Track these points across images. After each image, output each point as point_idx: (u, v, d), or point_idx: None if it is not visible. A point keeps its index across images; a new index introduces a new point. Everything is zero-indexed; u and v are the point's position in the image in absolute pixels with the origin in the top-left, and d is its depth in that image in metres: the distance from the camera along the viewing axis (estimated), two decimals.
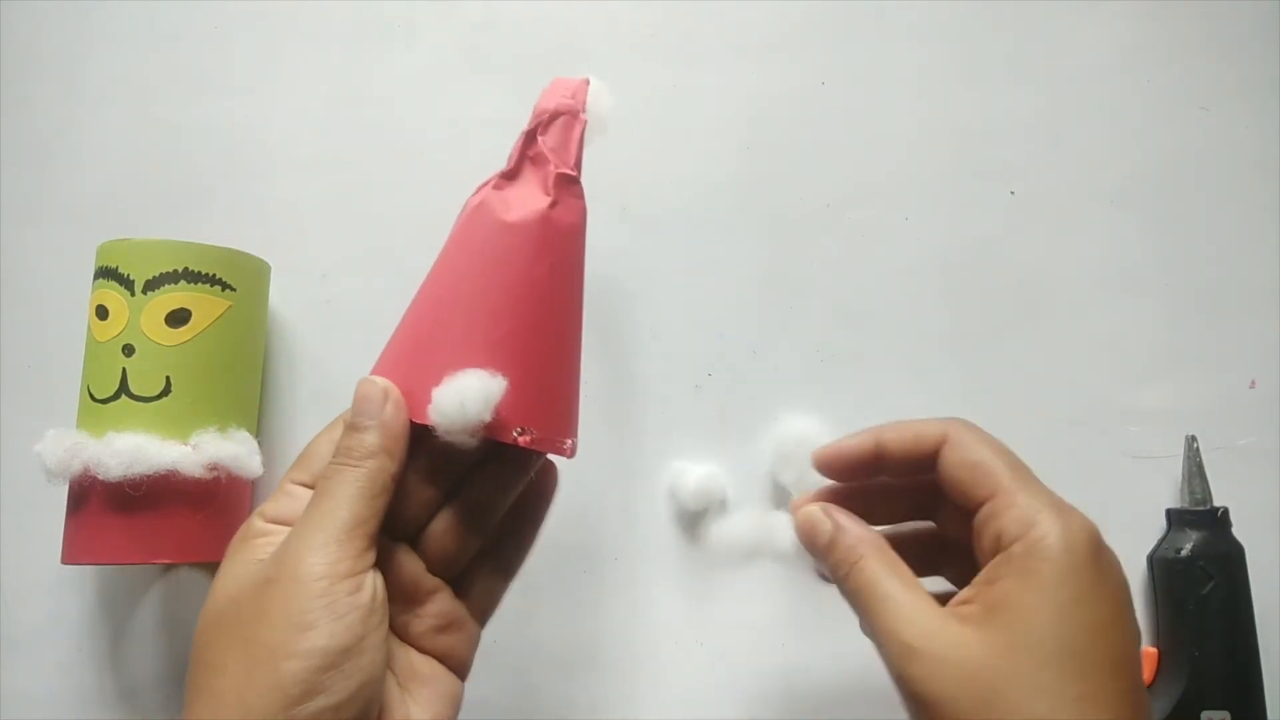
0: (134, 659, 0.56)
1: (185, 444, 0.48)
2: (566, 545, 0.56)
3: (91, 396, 0.49)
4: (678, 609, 0.55)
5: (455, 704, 0.41)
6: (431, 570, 0.41)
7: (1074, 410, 0.56)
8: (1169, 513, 0.54)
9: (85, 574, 0.57)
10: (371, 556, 0.37)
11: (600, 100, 0.43)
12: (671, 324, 0.58)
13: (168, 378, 0.49)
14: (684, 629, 0.55)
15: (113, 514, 0.47)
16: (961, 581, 0.39)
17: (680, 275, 0.58)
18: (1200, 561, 0.51)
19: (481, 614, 0.43)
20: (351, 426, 0.39)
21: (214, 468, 0.48)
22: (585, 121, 0.42)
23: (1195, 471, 0.54)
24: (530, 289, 0.40)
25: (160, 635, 0.56)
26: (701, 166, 0.59)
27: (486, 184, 0.42)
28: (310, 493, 0.39)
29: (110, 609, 0.56)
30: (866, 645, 0.56)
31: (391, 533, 0.40)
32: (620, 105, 0.61)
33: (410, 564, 0.40)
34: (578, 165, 0.42)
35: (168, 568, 0.56)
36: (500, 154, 0.60)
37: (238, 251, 0.52)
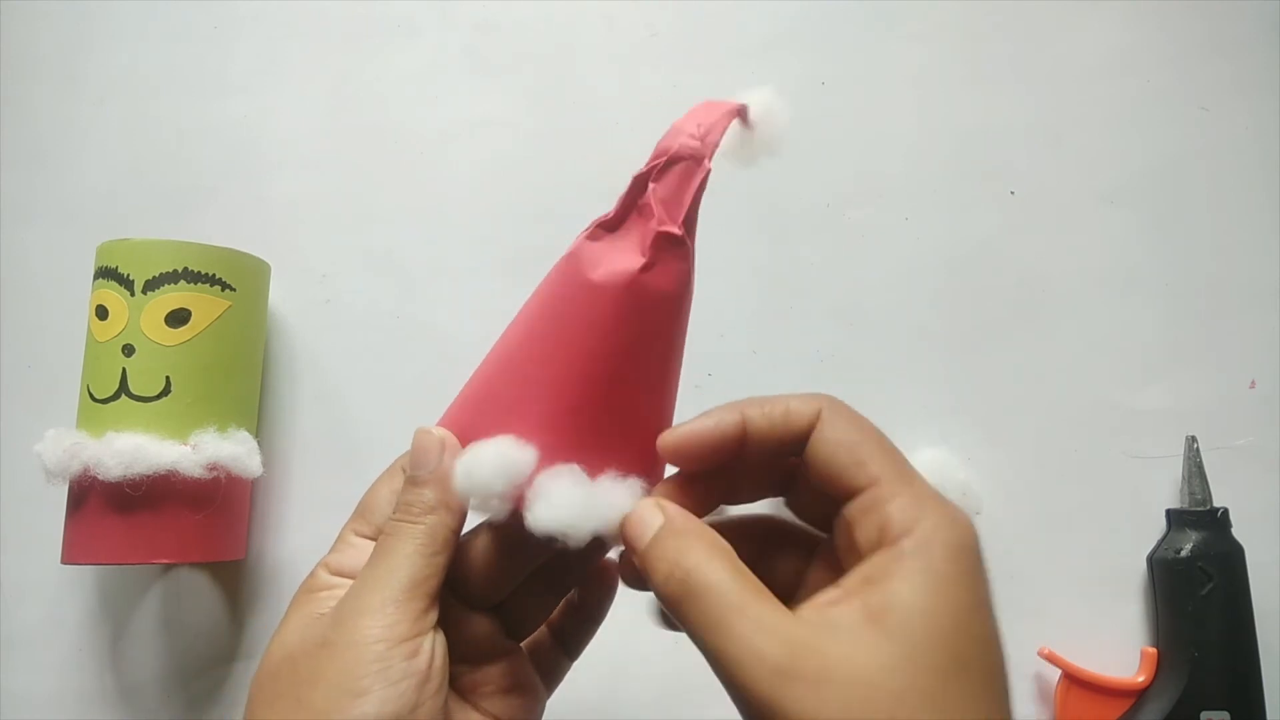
0: (134, 659, 0.56)
1: (185, 444, 0.48)
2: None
3: (91, 396, 0.49)
4: None
5: None
6: (506, 632, 0.39)
7: (1074, 410, 0.56)
8: (1169, 513, 0.54)
9: (85, 574, 0.57)
10: (433, 617, 0.35)
11: (771, 118, 0.37)
12: None
13: (168, 378, 0.49)
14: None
15: (113, 514, 0.47)
16: (792, 577, 0.36)
17: None
18: (1200, 562, 0.51)
19: (549, 685, 0.41)
20: (410, 480, 0.37)
21: (214, 468, 0.48)
22: (709, 170, 0.35)
23: (1195, 472, 0.54)
24: (603, 363, 0.34)
25: (160, 635, 0.56)
26: None
27: (590, 227, 0.35)
28: (371, 545, 0.37)
29: (110, 609, 0.56)
30: None
31: (469, 601, 0.38)
32: (621, 105, 0.61)
33: (480, 624, 0.39)
34: (689, 223, 0.34)
35: (168, 567, 0.56)
36: (500, 154, 0.60)
37: (238, 252, 0.52)
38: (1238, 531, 0.52)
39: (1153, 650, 0.52)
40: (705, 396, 0.57)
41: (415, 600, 0.35)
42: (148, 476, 0.47)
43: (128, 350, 0.49)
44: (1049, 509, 0.55)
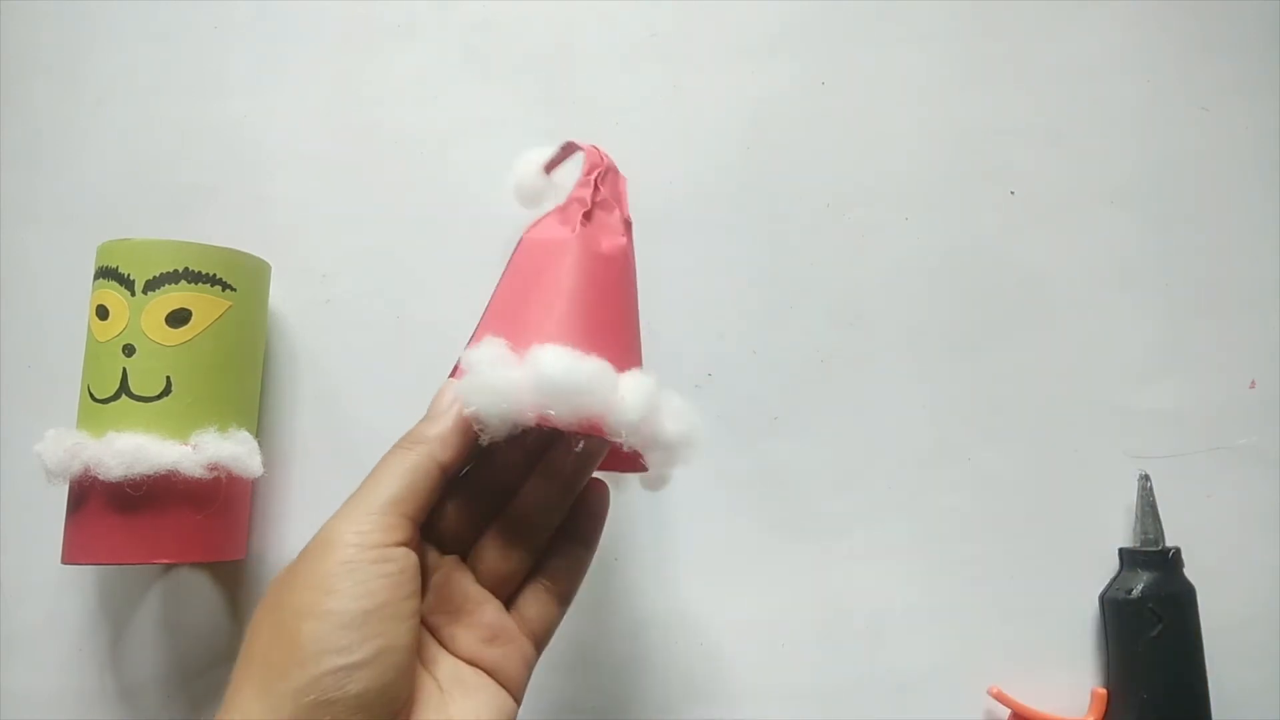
0: (134, 659, 0.56)
1: (186, 444, 0.48)
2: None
3: (92, 396, 0.49)
4: (678, 609, 0.55)
5: (503, 718, 0.40)
6: (481, 583, 0.41)
7: (1073, 410, 0.56)
8: (1121, 552, 0.54)
9: (85, 574, 0.57)
10: (403, 534, 0.37)
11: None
12: (671, 324, 0.58)
13: (168, 378, 0.49)
14: (684, 629, 0.55)
15: (113, 514, 0.47)
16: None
17: (680, 275, 0.58)
18: (1150, 603, 0.51)
19: (534, 635, 0.42)
20: (421, 421, 0.41)
21: (214, 468, 0.48)
22: (625, 179, 0.49)
23: (1148, 511, 0.53)
24: (597, 294, 0.44)
25: (160, 635, 0.56)
26: (701, 166, 0.59)
27: (566, 220, 0.46)
28: None
29: (110, 609, 0.56)
30: (865, 645, 0.56)
31: (442, 546, 0.41)
32: (621, 105, 0.61)
33: (458, 574, 0.41)
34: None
35: (168, 568, 0.56)
36: (500, 154, 0.60)
37: (238, 252, 0.52)
38: (1239, 530, 0.53)
39: (1102, 690, 0.52)
40: (705, 396, 0.57)
41: (389, 514, 0.37)
42: (149, 477, 0.47)
43: (128, 350, 0.49)
44: (1049, 509, 0.55)
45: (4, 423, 0.59)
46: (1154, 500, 0.53)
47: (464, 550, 0.42)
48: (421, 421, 0.41)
